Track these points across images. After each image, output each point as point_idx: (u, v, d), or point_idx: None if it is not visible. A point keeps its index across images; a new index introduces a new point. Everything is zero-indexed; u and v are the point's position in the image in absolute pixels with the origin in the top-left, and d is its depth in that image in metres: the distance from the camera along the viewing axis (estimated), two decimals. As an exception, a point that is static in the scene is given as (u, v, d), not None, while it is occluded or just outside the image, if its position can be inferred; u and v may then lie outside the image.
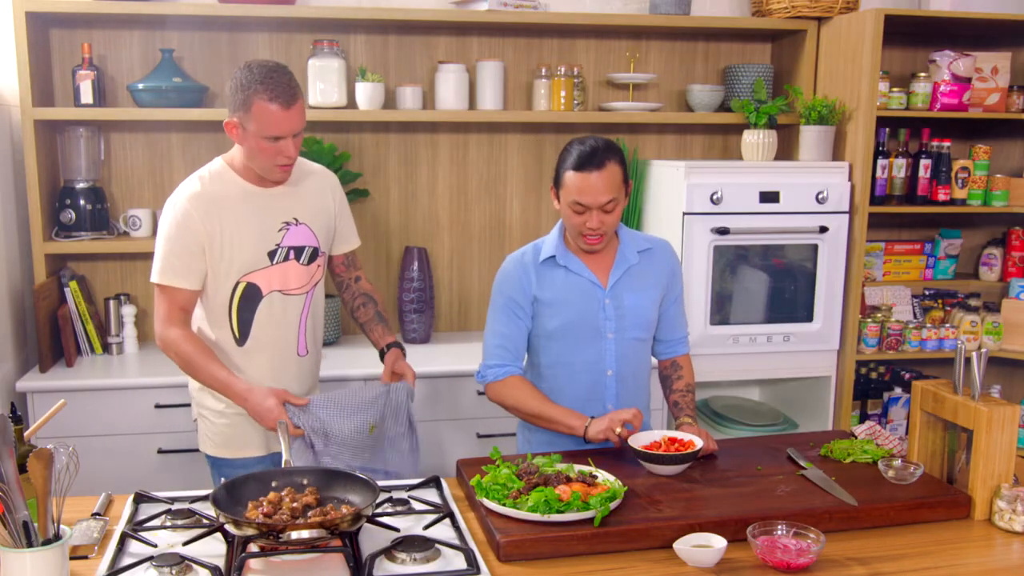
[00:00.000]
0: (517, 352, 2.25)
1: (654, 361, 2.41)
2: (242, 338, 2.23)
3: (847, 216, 3.22)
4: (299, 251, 2.23)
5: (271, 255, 2.20)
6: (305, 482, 1.81)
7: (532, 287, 2.23)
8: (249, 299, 2.20)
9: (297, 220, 2.23)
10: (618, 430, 2.04)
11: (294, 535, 1.58)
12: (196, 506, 1.84)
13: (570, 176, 2.12)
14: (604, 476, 1.89)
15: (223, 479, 2.19)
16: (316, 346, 2.37)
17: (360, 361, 3.04)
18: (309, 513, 1.69)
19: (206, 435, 2.32)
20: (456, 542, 1.69)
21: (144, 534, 1.71)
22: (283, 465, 1.88)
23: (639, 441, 2.04)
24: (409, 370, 2.31)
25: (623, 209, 2.20)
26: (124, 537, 1.70)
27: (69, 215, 3.08)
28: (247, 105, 2.07)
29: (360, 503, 1.74)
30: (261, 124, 2.06)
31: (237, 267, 2.17)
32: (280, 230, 2.21)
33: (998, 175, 3.49)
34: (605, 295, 2.22)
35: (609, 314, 2.22)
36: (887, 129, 3.35)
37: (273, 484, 1.80)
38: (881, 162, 3.33)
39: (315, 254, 2.27)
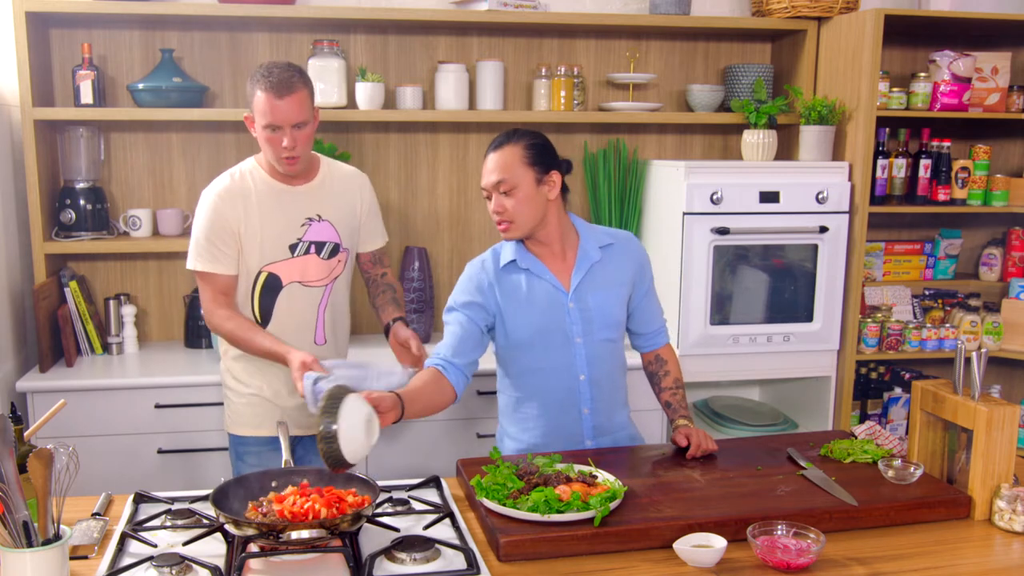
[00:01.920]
0: (453, 349, 2.11)
1: (633, 360, 2.34)
2: (263, 324, 2.36)
3: (847, 216, 3.22)
4: (320, 246, 2.36)
5: (292, 248, 2.34)
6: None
7: (496, 293, 2.15)
8: (270, 288, 2.34)
9: (320, 216, 2.36)
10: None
11: (294, 535, 1.58)
12: (196, 506, 1.84)
13: None
14: (604, 476, 1.89)
15: (237, 460, 2.37)
16: (336, 338, 2.47)
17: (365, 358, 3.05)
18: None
19: (227, 414, 2.47)
20: (456, 542, 1.69)
21: (144, 534, 1.71)
22: (283, 465, 1.89)
23: None
24: (411, 335, 2.36)
25: (532, 200, 2.08)
26: (124, 537, 1.70)
27: (69, 215, 3.08)
28: (251, 95, 2.23)
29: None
30: (258, 112, 2.21)
31: (259, 257, 2.32)
32: (303, 225, 2.35)
33: (998, 175, 3.49)
34: (569, 299, 2.15)
35: (575, 318, 2.15)
36: (887, 129, 3.35)
37: (273, 484, 1.80)
38: (881, 162, 3.33)
39: (336, 249, 2.39)
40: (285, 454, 1.92)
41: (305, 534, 1.59)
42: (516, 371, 2.23)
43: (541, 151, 2.12)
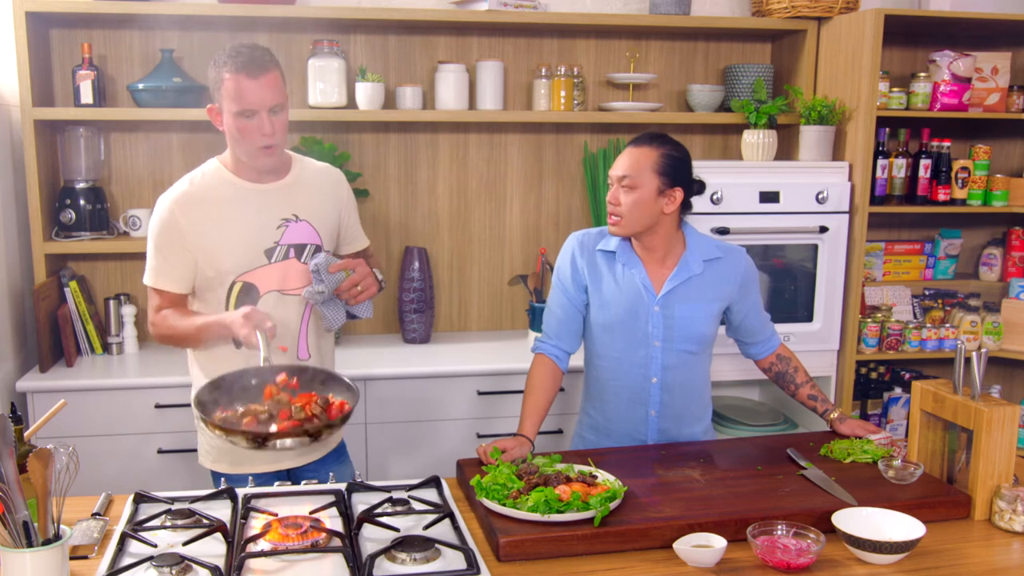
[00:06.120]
0: (559, 331, 2.26)
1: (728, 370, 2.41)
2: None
3: (847, 216, 3.22)
4: (300, 249, 2.15)
5: (269, 253, 2.12)
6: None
7: (583, 275, 2.23)
8: (246, 299, 2.11)
9: (297, 216, 2.15)
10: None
11: (278, 443, 1.67)
12: (196, 506, 1.84)
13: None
14: (604, 476, 1.89)
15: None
16: (321, 351, 2.25)
17: (357, 361, 3.05)
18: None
19: (204, 448, 2.26)
20: (456, 542, 1.69)
21: (144, 534, 1.71)
22: (261, 363, 1.86)
23: None
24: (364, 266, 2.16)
25: (646, 206, 2.12)
26: (124, 537, 1.70)
27: (69, 215, 3.08)
28: (218, 83, 2.01)
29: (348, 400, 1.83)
30: (231, 99, 1.99)
31: (231, 266, 2.10)
32: (279, 227, 2.13)
33: (998, 175, 3.49)
34: (656, 302, 2.17)
35: (657, 323, 2.18)
36: (887, 129, 3.35)
37: (253, 382, 1.84)
38: (881, 162, 3.33)
39: (317, 252, 2.17)
40: (264, 352, 1.86)
41: (288, 442, 1.67)
42: (595, 351, 2.27)
43: (674, 164, 2.13)
